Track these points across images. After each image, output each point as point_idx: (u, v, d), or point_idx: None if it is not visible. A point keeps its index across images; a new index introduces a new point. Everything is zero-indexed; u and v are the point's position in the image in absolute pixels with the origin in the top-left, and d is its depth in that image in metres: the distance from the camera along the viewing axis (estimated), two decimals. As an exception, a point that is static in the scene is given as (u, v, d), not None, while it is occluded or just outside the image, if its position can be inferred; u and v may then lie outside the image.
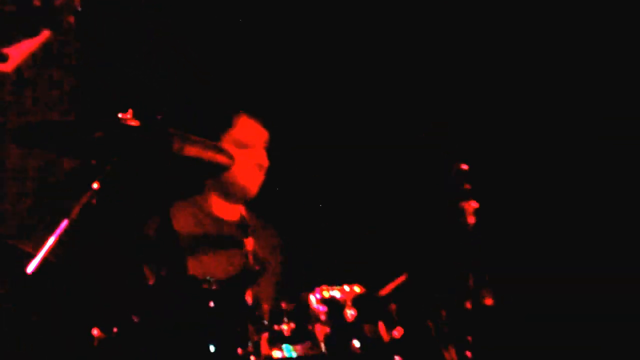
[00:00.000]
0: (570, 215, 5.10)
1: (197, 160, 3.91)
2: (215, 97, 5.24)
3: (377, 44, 5.46)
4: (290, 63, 5.48)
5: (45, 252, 3.48)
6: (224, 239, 4.65)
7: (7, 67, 2.70)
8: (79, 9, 2.70)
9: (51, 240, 3.49)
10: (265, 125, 4.76)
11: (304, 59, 5.50)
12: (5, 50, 2.69)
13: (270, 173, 4.74)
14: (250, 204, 4.80)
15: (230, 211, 4.76)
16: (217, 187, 4.73)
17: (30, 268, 3.44)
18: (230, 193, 4.73)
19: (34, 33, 2.67)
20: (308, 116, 5.44)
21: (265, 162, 4.72)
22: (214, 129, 4.69)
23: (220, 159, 4.01)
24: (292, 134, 5.24)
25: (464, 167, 4.16)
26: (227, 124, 4.72)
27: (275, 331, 3.88)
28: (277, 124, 4.79)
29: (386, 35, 5.45)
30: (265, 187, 4.76)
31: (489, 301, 4.06)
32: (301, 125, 5.40)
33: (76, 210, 3.54)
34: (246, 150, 4.68)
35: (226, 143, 4.65)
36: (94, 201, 3.58)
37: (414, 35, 5.40)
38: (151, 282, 4.19)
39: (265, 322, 3.87)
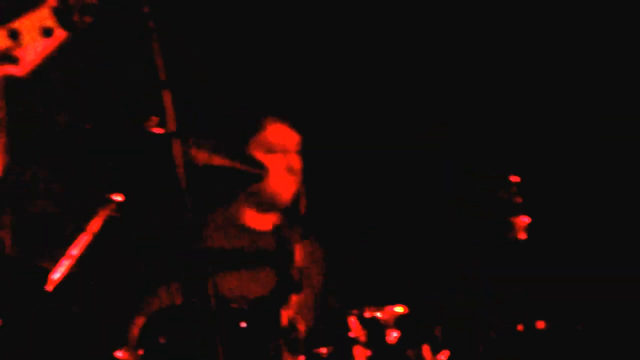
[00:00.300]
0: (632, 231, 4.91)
1: (228, 171, 3.73)
2: (243, 102, 5.08)
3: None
4: (309, 63, 5.32)
5: (66, 269, 3.37)
6: (257, 252, 4.45)
7: (20, 70, 2.55)
8: (96, 8, 2.56)
9: (71, 257, 3.39)
10: (296, 128, 4.56)
11: (320, 58, 5.34)
12: (18, 53, 2.54)
13: (305, 178, 4.53)
14: (286, 212, 4.58)
15: (264, 221, 4.55)
16: (249, 196, 4.52)
17: (50, 286, 3.34)
18: (262, 201, 4.51)
19: (48, 34, 2.53)
20: (347, 118, 5.27)
21: (298, 166, 4.50)
22: (243, 135, 4.51)
23: (252, 169, 3.83)
24: (327, 135, 5.08)
25: (515, 179, 3.99)
26: (256, 129, 4.53)
27: (312, 354, 3.76)
28: (310, 126, 4.61)
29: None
30: (306, 193, 4.55)
31: (540, 324, 3.92)
32: (339, 128, 5.24)
33: (97, 225, 3.42)
34: (277, 155, 4.48)
35: (255, 148, 4.46)
36: (116, 214, 3.45)
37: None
38: (178, 302, 4.03)
39: (301, 345, 3.71)
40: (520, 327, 3.92)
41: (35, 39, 2.54)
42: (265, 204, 4.51)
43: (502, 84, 5.13)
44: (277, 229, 4.52)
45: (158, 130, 3.49)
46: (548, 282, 4.11)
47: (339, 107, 5.29)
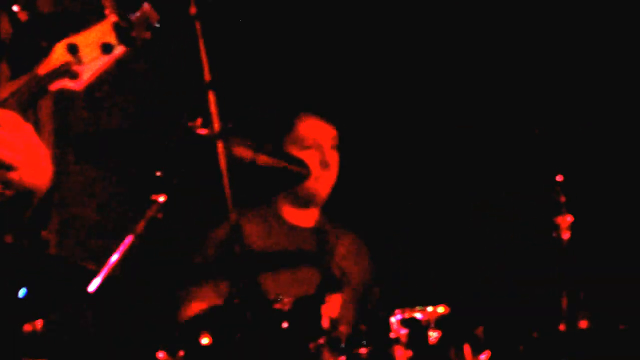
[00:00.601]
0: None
1: (271, 170, 3.69)
2: (276, 99, 5.03)
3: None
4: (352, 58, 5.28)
5: (109, 270, 3.35)
6: (298, 250, 4.42)
7: (78, 85, 2.53)
8: (156, 25, 2.55)
9: (115, 257, 3.36)
10: (331, 122, 4.51)
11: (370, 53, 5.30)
12: (76, 68, 2.53)
13: (345, 174, 4.48)
14: (327, 208, 4.54)
15: (304, 218, 4.52)
16: (287, 193, 4.48)
17: (93, 287, 3.31)
18: (299, 198, 4.47)
19: (107, 50, 2.50)
20: (384, 112, 5.23)
21: (332, 161, 4.45)
22: (277, 132, 4.46)
23: (296, 168, 3.79)
24: (367, 131, 5.04)
25: (559, 178, 3.94)
26: (290, 125, 4.48)
27: (353, 355, 3.69)
28: (348, 121, 4.56)
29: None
30: (341, 189, 4.50)
31: (584, 323, 3.87)
32: (377, 122, 5.19)
33: (141, 225, 3.39)
34: (311, 150, 4.42)
35: (290, 145, 4.42)
36: (160, 215, 3.41)
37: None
38: (220, 302, 4.00)
39: (343, 345, 3.68)
40: (562, 327, 3.88)
41: (94, 55, 2.52)
42: (303, 200, 4.47)
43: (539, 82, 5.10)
44: (318, 226, 4.49)
45: (203, 131, 3.47)
46: (591, 282, 4.05)
47: (373, 101, 5.26)
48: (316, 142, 4.46)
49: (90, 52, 2.52)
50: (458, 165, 5.17)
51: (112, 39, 2.52)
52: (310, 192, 4.45)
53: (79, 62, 2.50)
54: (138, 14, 2.54)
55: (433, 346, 3.75)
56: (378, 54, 5.28)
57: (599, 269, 4.54)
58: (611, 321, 3.98)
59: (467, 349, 3.80)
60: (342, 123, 4.55)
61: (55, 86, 2.51)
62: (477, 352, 3.81)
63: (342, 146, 4.52)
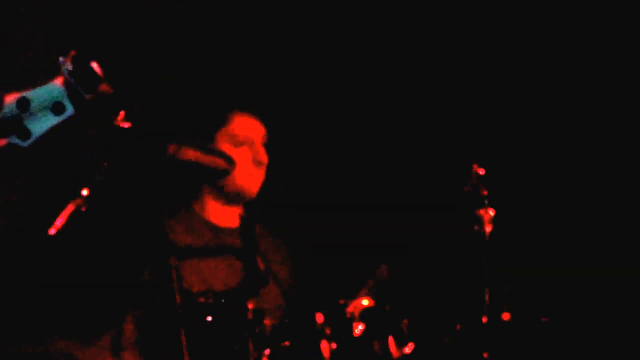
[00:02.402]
0: (595, 221, 4.92)
1: (195, 165, 3.68)
2: (209, 94, 5.02)
3: (379, 40, 5.30)
4: (288, 57, 5.30)
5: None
6: (222, 247, 4.39)
7: (24, 140, 2.48)
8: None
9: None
10: (263, 120, 4.51)
11: (301, 52, 5.31)
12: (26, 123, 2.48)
13: (270, 173, 4.49)
14: (250, 207, 4.54)
15: (228, 216, 4.49)
16: (213, 189, 4.45)
17: None
18: (228, 194, 4.44)
19: (59, 111, 2.49)
20: (311, 111, 5.25)
21: (264, 159, 4.45)
22: (209, 127, 4.45)
23: (220, 162, 3.78)
24: (293, 130, 5.05)
25: (481, 171, 3.98)
26: (222, 121, 4.47)
27: (278, 348, 3.72)
28: (277, 119, 4.57)
29: (389, 32, 5.28)
30: (265, 189, 4.51)
31: (506, 315, 3.92)
32: (304, 122, 5.21)
33: (63, 219, 3.36)
34: (243, 147, 4.42)
35: (222, 141, 4.41)
36: (83, 209, 3.39)
37: (425, 33, 5.22)
38: (144, 297, 3.99)
39: (267, 338, 3.69)
40: (484, 320, 3.91)
41: (44, 112, 2.47)
42: (231, 197, 4.45)
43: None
44: (242, 222, 4.47)
45: (125, 125, 3.46)
46: (513, 274, 4.10)
47: (344, 102, 5.28)
48: (249, 139, 4.45)
49: (40, 109, 2.46)
50: (383, 157, 5.20)
51: (64, 98, 2.47)
52: (241, 189, 4.43)
53: (28, 117, 2.45)
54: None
55: (358, 338, 3.79)
56: (307, 51, 5.31)
57: (521, 261, 4.61)
58: (533, 314, 4.02)
59: (391, 341, 3.83)
60: (269, 120, 4.57)
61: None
62: (401, 344, 3.84)
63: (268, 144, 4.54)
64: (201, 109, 4.65)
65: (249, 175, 4.42)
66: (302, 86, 5.27)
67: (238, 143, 4.41)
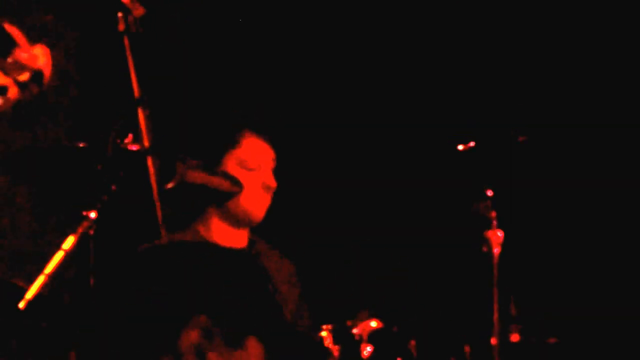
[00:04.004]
0: (604, 242, 4.91)
1: (202, 187, 3.67)
2: (218, 116, 5.01)
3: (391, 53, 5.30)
4: (299, 79, 5.30)
5: (38, 287, 3.31)
6: (229, 271, 4.36)
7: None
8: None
9: (44, 274, 3.32)
10: (272, 144, 4.48)
11: (312, 74, 5.31)
12: None
13: (278, 196, 4.47)
14: (257, 229, 4.52)
15: (235, 238, 4.45)
16: (220, 212, 4.42)
17: (22, 304, 3.27)
18: (234, 218, 4.39)
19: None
20: (320, 135, 5.24)
21: (273, 184, 4.41)
22: (217, 150, 4.42)
23: (227, 185, 3.76)
24: (303, 154, 5.05)
25: (489, 192, 3.97)
26: (231, 144, 4.43)
27: None
28: (286, 143, 4.56)
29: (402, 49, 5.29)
30: (273, 211, 4.49)
31: (515, 337, 3.91)
32: (313, 145, 5.20)
33: (72, 242, 3.35)
34: (254, 173, 4.39)
35: (230, 165, 4.36)
36: (91, 232, 3.38)
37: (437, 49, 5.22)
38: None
39: None
40: (493, 341, 3.90)
41: None
42: (237, 221, 4.41)
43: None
44: (249, 243, 4.46)
45: (133, 147, 3.45)
46: (522, 295, 4.10)
47: (314, 124, 5.27)
48: (259, 164, 4.41)
49: None
50: (391, 179, 5.19)
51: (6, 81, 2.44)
52: (247, 213, 4.39)
53: None
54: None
55: (366, 360, 3.79)
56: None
57: (530, 283, 4.60)
58: (542, 335, 4.02)
59: (400, 362, 3.83)
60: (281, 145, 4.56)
61: None
62: (409, 365, 3.85)
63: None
64: (210, 130, 4.63)
65: (256, 200, 4.37)
66: (315, 107, 5.28)
67: (247, 167, 4.37)
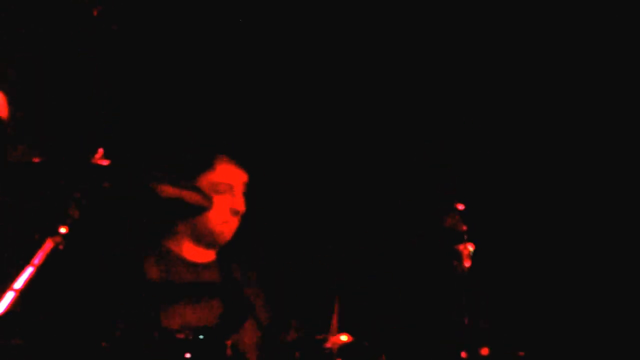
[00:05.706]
0: (574, 256, 4.93)
1: (173, 200, 3.65)
2: (194, 138, 5.00)
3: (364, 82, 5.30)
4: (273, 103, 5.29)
5: (8, 305, 3.27)
6: (199, 284, 4.37)
7: None
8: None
9: (13, 291, 3.28)
10: (245, 168, 4.50)
11: (286, 98, 5.31)
12: None
13: (246, 218, 4.48)
14: (226, 248, 4.52)
15: (203, 254, 4.47)
16: (189, 231, 4.44)
17: None
18: (202, 238, 4.44)
19: None
20: (290, 157, 5.24)
21: (242, 208, 4.45)
22: (192, 170, 4.43)
23: (197, 199, 3.74)
24: (273, 177, 5.05)
25: (460, 206, 3.97)
26: (206, 165, 4.45)
27: None
28: (258, 167, 4.56)
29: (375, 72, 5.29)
30: (242, 231, 4.50)
31: (485, 351, 3.91)
32: (282, 167, 5.20)
33: (41, 257, 3.32)
34: (224, 196, 4.41)
35: (202, 186, 4.35)
36: (61, 247, 3.36)
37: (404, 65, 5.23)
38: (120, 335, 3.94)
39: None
40: (464, 355, 3.90)
41: None
42: (206, 241, 4.44)
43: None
44: (217, 256, 4.46)
45: (104, 162, 3.43)
46: (492, 308, 4.10)
47: (324, 149, 5.28)
48: (230, 187, 4.44)
49: None
50: (363, 193, 5.19)
51: None
52: (214, 234, 4.42)
53: None
54: None
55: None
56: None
57: (500, 296, 4.61)
58: (511, 348, 4.02)
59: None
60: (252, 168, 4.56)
61: None
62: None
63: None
64: (188, 151, 4.63)
65: (223, 222, 4.42)
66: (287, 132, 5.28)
67: (218, 190, 4.40)
